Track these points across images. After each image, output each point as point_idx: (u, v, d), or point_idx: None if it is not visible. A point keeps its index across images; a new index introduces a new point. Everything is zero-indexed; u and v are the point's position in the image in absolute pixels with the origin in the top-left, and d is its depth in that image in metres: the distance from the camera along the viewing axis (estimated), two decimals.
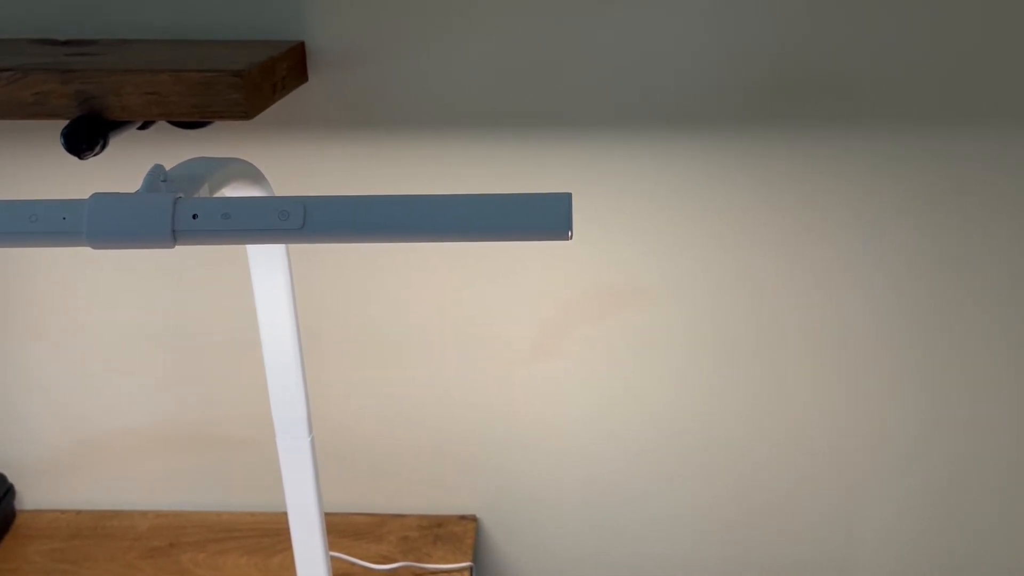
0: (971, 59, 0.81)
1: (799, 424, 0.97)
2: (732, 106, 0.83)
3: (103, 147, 0.67)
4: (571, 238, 0.46)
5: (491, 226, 0.46)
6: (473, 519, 1.03)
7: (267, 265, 0.66)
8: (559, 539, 1.06)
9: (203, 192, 0.54)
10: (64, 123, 0.67)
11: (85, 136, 0.66)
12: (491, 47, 0.82)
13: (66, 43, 0.79)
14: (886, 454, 0.98)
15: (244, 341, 0.95)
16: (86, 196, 0.48)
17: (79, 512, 1.04)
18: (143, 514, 1.04)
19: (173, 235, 0.46)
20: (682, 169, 0.86)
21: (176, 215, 0.46)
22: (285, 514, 0.78)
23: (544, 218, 0.46)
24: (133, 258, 0.93)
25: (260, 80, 0.70)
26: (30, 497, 1.05)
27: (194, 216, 0.46)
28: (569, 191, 0.47)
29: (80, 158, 0.66)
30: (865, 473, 0.99)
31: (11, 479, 1.03)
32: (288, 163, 0.87)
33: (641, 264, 0.91)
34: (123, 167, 0.83)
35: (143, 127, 0.78)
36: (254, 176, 0.64)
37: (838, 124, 0.84)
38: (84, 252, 0.91)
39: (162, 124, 0.79)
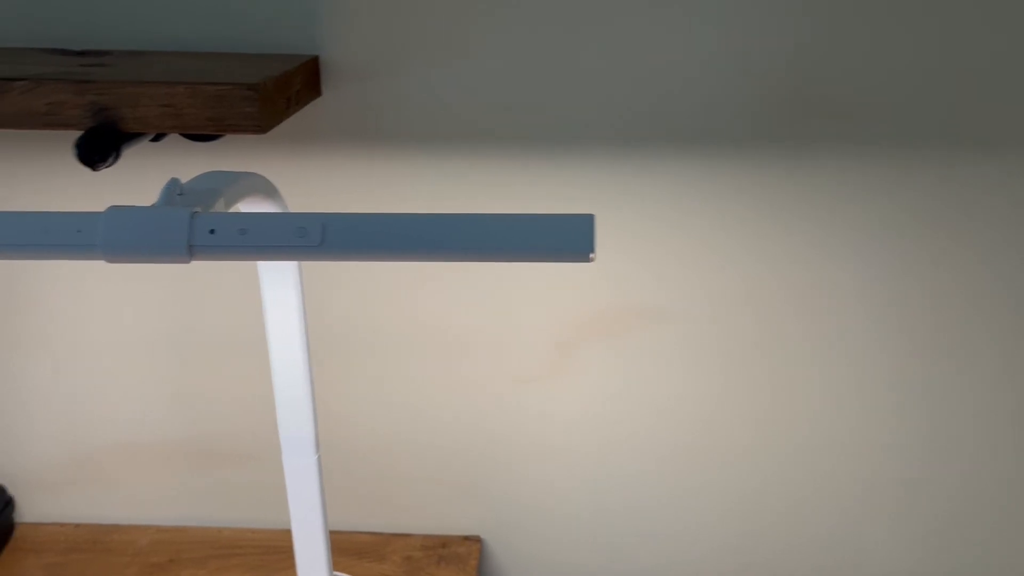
0: (974, 83, 0.81)
1: (807, 439, 0.97)
2: (741, 126, 0.83)
3: (116, 159, 0.67)
4: (593, 260, 0.46)
5: (513, 246, 0.45)
6: (477, 540, 1.02)
7: (279, 283, 0.66)
8: (564, 560, 1.04)
9: (219, 206, 0.53)
10: (77, 134, 0.66)
11: (98, 147, 0.65)
12: (505, 62, 0.81)
13: (81, 54, 0.78)
14: (892, 468, 0.98)
15: (248, 355, 0.94)
16: (98, 207, 0.47)
17: (78, 525, 1.03)
18: (143, 529, 1.02)
19: (190, 250, 0.46)
20: (691, 189, 0.86)
21: (193, 230, 0.46)
22: (288, 531, 0.77)
23: (567, 239, 0.45)
24: (136, 272, 0.92)
25: (275, 94, 0.69)
26: (29, 509, 1.04)
27: (211, 231, 0.46)
28: (591, 212, 0.46)
29: (93, 169, 0.65)
30: (872, 487, 0.99)
31: (11, 491, 1.02)
32: (300, 177, 0.86)
33: (649, 283, 0.90)
34: (135, 179, 0.83)
35: (156, 139, 0.77)
36: (269, 191, 0.63)
37: (845, 144, 0.84)
38: (86, 264, 0.91)
39: (174, 136, 0.78)
